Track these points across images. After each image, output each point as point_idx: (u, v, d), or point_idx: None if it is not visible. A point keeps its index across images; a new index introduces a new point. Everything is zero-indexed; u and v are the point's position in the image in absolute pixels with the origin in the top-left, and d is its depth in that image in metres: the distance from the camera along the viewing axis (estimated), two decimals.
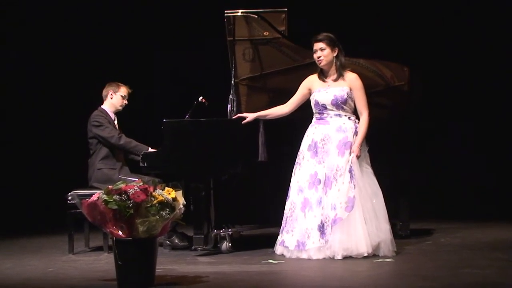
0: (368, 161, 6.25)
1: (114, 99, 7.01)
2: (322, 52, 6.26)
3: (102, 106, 7.03)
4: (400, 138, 6.90)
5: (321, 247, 6.03)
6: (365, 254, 5.99)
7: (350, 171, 6.11)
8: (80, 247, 6.89)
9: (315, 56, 6.30)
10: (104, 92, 7.05)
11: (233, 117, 6.52)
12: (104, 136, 6.85)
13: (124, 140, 6.86)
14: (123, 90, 7.04)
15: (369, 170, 6.22)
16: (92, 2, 9.13)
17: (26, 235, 7.92)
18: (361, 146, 6.20)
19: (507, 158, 9.02)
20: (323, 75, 6.35)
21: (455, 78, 9.00)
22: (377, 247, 6.06)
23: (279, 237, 6.29)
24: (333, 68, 6.31)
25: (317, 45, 6.28)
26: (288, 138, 6.45)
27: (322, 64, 6.29)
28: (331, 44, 6.27)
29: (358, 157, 6.15)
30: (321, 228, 6.07)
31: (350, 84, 6.29)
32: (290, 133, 6.41)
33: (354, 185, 6.08)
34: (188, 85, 8.66)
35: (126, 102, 7.07)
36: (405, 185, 7.02)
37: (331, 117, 6.28)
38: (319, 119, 6.32)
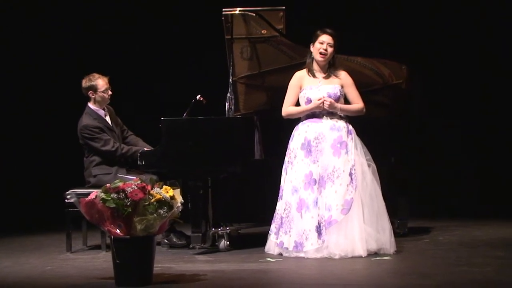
0: (369, 154, 6.19)
1: (97, 98, 6.75)
2: (330, 48, 6.20)
3: (89, 105, 6.77)
4: (399, 136, 6.90)
5: (319, 248, 5.99)
6: (362, 256, 5.94)
7: (351, 174, 6.06)
8: (78, 245, 6.89)
9: (321, 47, 6.19)
10: (84, 91, 6.76)
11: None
12: (100, 150, 6.65)
13: (120, 151, 6.65)
14: (102, 85, 6.73)
15: (372, 165, 6.17)
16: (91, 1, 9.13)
17: (24, 234, 7.91)
18: (356, 140, 6.17)
19: (506, 156, 9.02)
20: (313, 71, 6.29)
21: (455, 76, 8.98)
22: (375, 250, 6.03)
23: (272, 238, 6.23)
24: (326, 65, 6.28)
25: (328, 39, 6.20)
26: (284, 136, 6.42)
27: (324, 59, 6.21)
28: (336, 45, 6.23)
29: (328, 105, 6.10)
30: (318, 229, 6.02)
31: (342, 81, 6.26)
32: (286, 131, 6.39)
33: (355, 188, 6.03)
34: (186, 84, 8.64)
35: (110, 92, 6.78)
36: (404, 183, 7.02)
37: (323, 115, 6.22)
38: (311, 117, 6.24)
